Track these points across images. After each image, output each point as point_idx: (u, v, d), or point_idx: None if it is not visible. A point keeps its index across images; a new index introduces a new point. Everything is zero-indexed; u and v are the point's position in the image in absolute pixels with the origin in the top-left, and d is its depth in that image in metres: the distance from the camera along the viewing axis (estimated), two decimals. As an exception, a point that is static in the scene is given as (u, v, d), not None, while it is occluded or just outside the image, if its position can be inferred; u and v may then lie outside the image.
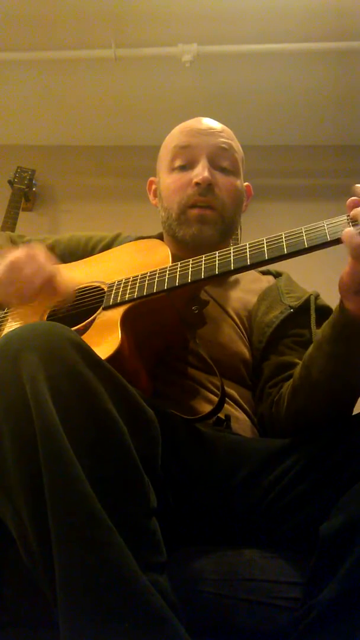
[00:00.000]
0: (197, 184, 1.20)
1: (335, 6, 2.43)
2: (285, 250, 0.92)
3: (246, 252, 0.97)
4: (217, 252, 1.01)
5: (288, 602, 0.81)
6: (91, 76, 2.78)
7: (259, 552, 0.88)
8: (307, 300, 1.20)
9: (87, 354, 0.76)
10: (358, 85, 2.76)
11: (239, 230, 2.44)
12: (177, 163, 1.25)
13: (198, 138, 1.25)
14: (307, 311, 1.19)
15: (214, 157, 1.24)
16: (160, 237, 1.34)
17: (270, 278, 1.34)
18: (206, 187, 1.20)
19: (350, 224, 0.85)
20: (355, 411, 1.00)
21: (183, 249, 1.24)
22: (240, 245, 1.00)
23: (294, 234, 0.93)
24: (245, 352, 1.20)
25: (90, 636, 0.63)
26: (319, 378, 0.97)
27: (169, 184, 1.25)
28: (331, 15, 2.47)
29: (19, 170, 2.91)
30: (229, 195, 1.24)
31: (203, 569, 0.85)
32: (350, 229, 0.83)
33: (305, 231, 0.92)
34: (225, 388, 1.06)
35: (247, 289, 1.30)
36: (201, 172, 1.21)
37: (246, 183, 1.33)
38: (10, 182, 2.86)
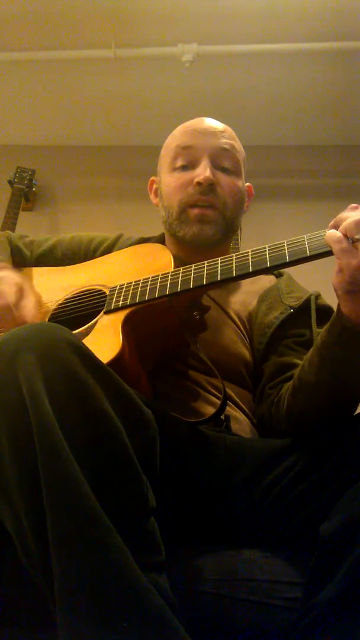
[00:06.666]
0: (198, 183, 1.20)
1: (335, 6, 2.44)
2: (287, 258, 0.92)
3: (248, 259, 0.97)
4: (219, 258, 1.01)
5: (288, 602, 0.82)
6: (91, 76, 2.78)
7: (259, 552, 0.88)
8: (308, 300, 1.20)
9: (85, 355, 0.75)
10: (358, 85, 2.76)
11: (239, 231, 2.44)
12: (179, 163, 1.25)
13: (200, 138, 1.25)
14: (307, 311, 1.19)
15: (215, 157, 1.24)
16: (162, 237, 1.34)
17: (272, 278, 1.33)
18: (208, 187, 1.20)
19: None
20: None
21: (184, 248, 1.23)
22: (242, 252, 1.00)
23: (296, 242, 0.93)
24: (246, 353, 1.20)
25: (89, 636, 0.63)
26: (318, 381, 0.97)
27: (170, 183, 1.25)
28: (331, 15, 2.47)
29: (19, 170, 2.91)
30: (230, 195, 1.24)
31: (203, 569, 0.85)
32: (332, 231, 0.84)
33: (307, 239, 0.92)
34: (226, 389, 1.06)
35: (248, 291, 1.30)
36: (203, 171, 1.20)
37: (247, 184, 1.33)
38: (10, 182, 2.86)
